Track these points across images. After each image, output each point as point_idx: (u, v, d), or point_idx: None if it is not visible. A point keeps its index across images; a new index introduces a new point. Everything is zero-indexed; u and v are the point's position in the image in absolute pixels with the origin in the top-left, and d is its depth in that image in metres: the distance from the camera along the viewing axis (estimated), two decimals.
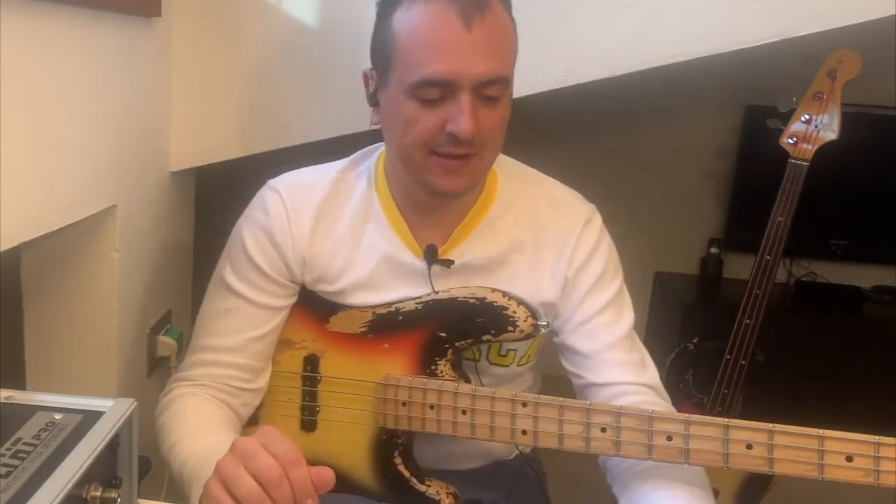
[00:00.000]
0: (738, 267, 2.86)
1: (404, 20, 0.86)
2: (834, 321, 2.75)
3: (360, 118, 1.27)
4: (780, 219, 1.52)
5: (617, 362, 0.97)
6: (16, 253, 1.09)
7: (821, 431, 0.80)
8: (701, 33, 1.23)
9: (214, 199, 1.70)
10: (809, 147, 1.50)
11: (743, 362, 1.56)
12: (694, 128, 2.92)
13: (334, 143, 1.31)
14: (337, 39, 1.30)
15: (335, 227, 1.00)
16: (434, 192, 0.92)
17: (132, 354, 1.24)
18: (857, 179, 2.71)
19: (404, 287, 0.99)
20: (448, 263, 0.98)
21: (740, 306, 1.56)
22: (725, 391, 1.58)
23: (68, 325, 1.15)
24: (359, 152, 1.06)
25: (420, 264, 0.98)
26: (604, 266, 1.00)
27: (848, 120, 1.47)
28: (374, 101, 0.94)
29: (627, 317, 1.01)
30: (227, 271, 1.00)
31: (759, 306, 1.54)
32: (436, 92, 0.85)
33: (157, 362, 1.34)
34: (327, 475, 0.67)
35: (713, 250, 2.94)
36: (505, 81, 0.87)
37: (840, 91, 1.47)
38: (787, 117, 1.53)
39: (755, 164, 2.72)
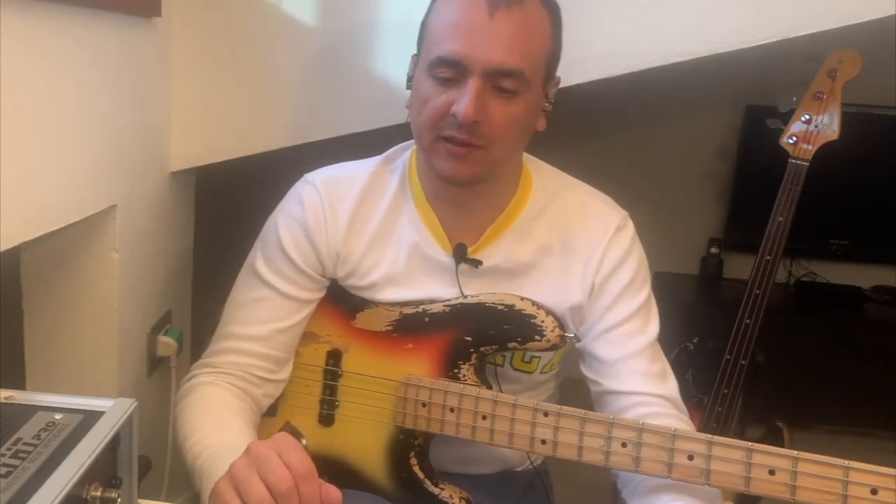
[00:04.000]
0: (738, 267, 2.86)
1: (442, 3, 0.90)
2: (834, 321, 2.75)
3: (361, 118, 1.28)
4: (780, 219, 1.52)
5: (638, 372, 0.96)
6: (16, 253, 1.09)
7: (846, 462, 0.78)
8: (701, 33, 1.23)
9: (214, 199, 1.70)
10: (809, 147, 1.49)
11: (743, 362, 1.56)
12: (694, 128, 2.92)
13: (335, 143, 1.32)
14: (337, 39, 1.30)
15: (370, 223, 1.00)
16: (440, 176, 0.93)
17: (132, 354, 1.24)
18: (857, 179, 2.70)
19: (432, 284, 0.99)
20: (476, 263, 0.98)
21: (740, 306, 1.56)
22: (725, 391, 1.58)
23: (68, 325, 1.15)
24: (394, 148, 1.06)
25: (448, 260, 0.98)
26: (633, 274, 1.00)
27: (848, 120, 1.47)
28: (409, 84, 0.96)
29: (653, 327, 1.00)
30: (258, 261, 1.01)
31: (759, 306, 1.54)
32: (449, 72, 0.87)
33: (157, 362, 1.34)
34: (335, 495, 0.68)
35: (713, 250, 2.94)
36: (522, 77, 0.87)
37: (840, 91, 1.47)
38: (787, 117, 1.53)
39: (755, 164, 2.71)
